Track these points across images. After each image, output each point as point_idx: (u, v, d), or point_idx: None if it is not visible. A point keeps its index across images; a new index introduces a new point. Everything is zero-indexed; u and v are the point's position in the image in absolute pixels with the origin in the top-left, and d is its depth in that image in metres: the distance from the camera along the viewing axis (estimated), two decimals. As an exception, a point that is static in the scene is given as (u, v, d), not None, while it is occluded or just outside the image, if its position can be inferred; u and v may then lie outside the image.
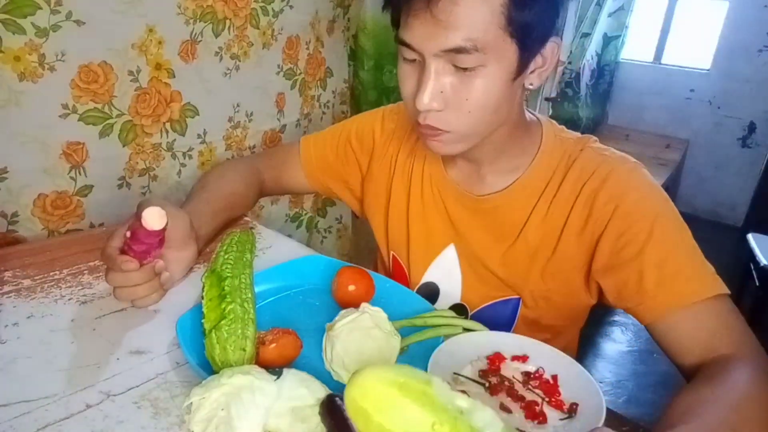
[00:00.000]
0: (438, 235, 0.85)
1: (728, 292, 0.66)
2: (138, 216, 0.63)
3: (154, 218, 0.62)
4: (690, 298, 0.65)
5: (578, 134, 0.79)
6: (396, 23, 0.67)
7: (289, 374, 0.51)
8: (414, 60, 0.66)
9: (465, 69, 0.63)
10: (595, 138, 0.77)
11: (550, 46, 0.67)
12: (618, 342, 2.25)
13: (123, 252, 0.65)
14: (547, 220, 0.75)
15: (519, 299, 0.80)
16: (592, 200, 0.71)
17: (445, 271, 0.84)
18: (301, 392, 0.50)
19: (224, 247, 0.73)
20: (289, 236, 1.25)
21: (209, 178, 0.95)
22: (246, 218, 1.01)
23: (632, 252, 0.68)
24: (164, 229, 0.64)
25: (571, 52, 2.57)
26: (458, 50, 0.61)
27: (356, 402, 0.36)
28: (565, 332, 0.84)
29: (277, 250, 0.88)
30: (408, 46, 0.65)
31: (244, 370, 0.50)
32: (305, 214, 1.76)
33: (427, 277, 0.86)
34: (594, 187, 0.71)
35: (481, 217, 0.80)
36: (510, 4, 0.60)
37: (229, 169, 0.98)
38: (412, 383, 0.37)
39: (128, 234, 0.64)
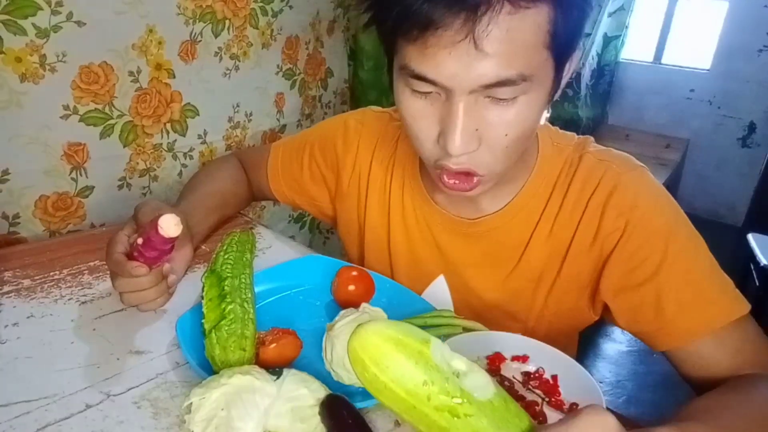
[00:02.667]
0: (426, 266, 0.77)
1: (749, 308, 0.61)
2: (152, 223, 0.62)
3: (170, 225, 0.62)
4: (714, 323, 0.60)
5: (574, 136, 0.73)
6: (391, 48, 0.57)
7: (289, 374, 0.51)
8: (429, 92, 0.56)
9: (502, 99, 0.54)
10: (591, 139, 0.72)
11: (575, 55, 0.59)
12: (618, 342, 2.25)
13: (131, 257, 0.65)
14: (552, 240, 0.69)
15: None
16: (600, 215, 0.65)
17: (436, 305, 0.75)
18: (301, 392, 0.50)
19: (224, 248, 0.73)
20: (292, 237, 1.25)
21: (198, 178, 0.93)
22: (247, 218, 1.01)
23: (647, 273, 0.63)
24: (178, 236, 0.64)
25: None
26: (502, 83, 0.52)
27: (356, 352, 0.38)
28: (562, 342, 0.79)
29: (277, 250, 0.88)
30: (428, 81, 0.54)
31: (244, 370, 0.50)
32: (308, 215, 1.76)
33: None
34: (601, 201, 0.65)
35: (475, 242, 0.73)
36: (555, 17, 0.52)
37: (218, 168, 0.95)
38: (410, 341, 0.38)
39: (140, 241, 0.63)
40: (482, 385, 0.39)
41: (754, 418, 0.52)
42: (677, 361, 0.64)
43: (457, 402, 0.37)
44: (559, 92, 0.61)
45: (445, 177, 0.60)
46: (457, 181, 0.60)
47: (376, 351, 0.38)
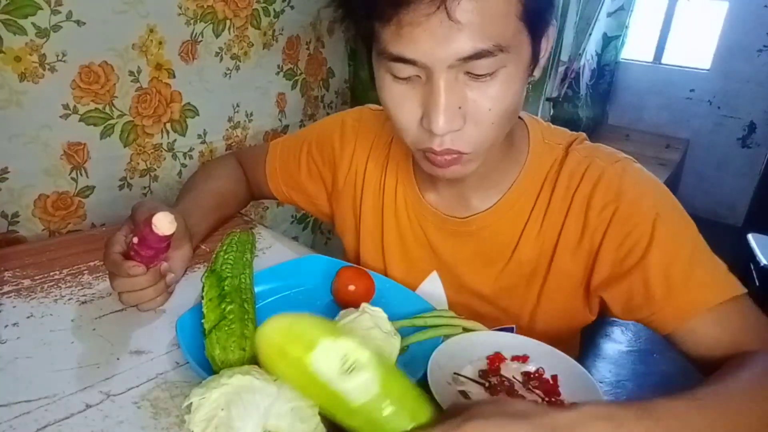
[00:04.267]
0: (418, 263, 0.77)
1: (745, 291, 0.61)
2: (146, 221, 0.63)
3: (164, 223, 0.62)
4: (705, 303, 0.60)
5: (566, 133, 0.72)
6: (368, 36, 0.57)
7: None
8: (409, 77, 0.56)
9: (482, 74, 0.54)
10: (584, 136, 0.71)
11: (550, 30, 0.59)
12: (618, 342, 2.25)
13: (128, 257, 0.65)
14: (542, 237, 0.69)
15: (512, 328, 0.75)
16: (585, 209, 0.66)
17: (430, 300, 0.75)
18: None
19: (224, 248, 0.73)
20: (295, 238, 1.25)
21: (197, 178, 0.93)
22: (247, 218, 1.00)
23: (635, 259, 0.62)
24: (173, 234, 0.64)
25: (577, 52, 2.57)
26: (479, 55, 0.52)
27: (257, 349, 0.43)
28: (563, 343, 0.78)
29: (277, 250, 0.88)
30: (406, 61, 0.54)
31: (245, 371, 0.50)
32: (311, 216, 1.76)
33: None
34: (585, 194, 0.65)
35: (466, 240, 0.73)
36: None
37: (216, 168, 0.95)
38: (291, 350, 0.41)
39: (135, 240, 0.64)
40: (366, 386, 0.41)
41: (753, 397, 0.50)
42: (677, 342, 0.64)
43: (332, 404, 0.42)
44: (539, 71, 0.61)
45: (430, 157, 0.60)
46: (443, 157, 0.59)
47: (264, 355, 0.43)
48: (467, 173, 0.62)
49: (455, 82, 0.54)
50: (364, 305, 0.63)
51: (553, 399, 0.56)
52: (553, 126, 0.74)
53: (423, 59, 0.53)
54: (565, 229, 0.67)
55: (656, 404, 0.44)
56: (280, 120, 1.53)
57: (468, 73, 0.54)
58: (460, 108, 0.55)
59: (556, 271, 0.69)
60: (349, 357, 0.41)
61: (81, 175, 1.10)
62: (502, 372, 0.60)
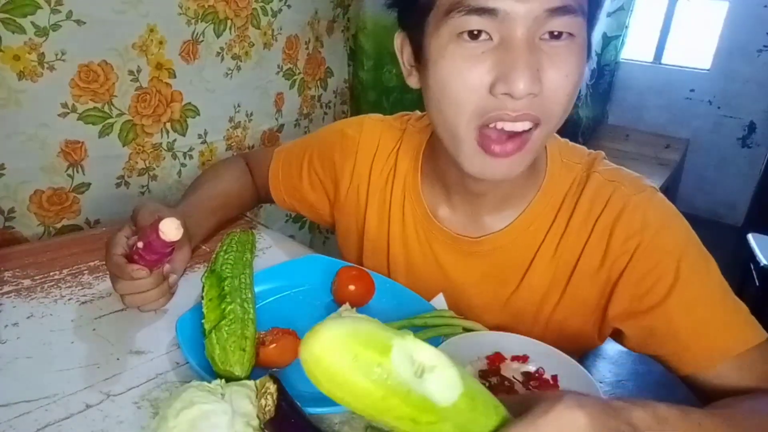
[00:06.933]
0: (425, 284, 0.75)
1: (767, 336, 0.59)
2: (152, 227, 0.62)
3: (171, 229, 0.62)
4: (730, 350, 0.58)
5: (584, 152, 0.70)
6: (427, 4, 0.55)
7: (230, 387, 0.49)
8: (476, 36, 0.52)
9: (555, 38, 0.52)
10: (602, 155, 0.69)
11: (593, 35, 0.58)
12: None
13: (130, 259, 0.64)
14: (556, 261, 0.67)
15: None
16: (607, 237, 0.63)
17: None
18: (250, 407, 0.48)
19: (224, 248, 0.73)
20: (291, 237, 1.25)
21: (203, 178, 0.93)
22: (247, 218, 1.00)
23: (659, 296, 0.60)
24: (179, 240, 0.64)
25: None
26: (564, 10, 0.50)
27: (308, 365, 0.35)
28: None
29: (277, 250, 0.88)
30: (487, 12, 0.50)
31: (186, 403, 0.47)
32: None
33: None
34: (608, 222, 0.63)
35: (477, 261, 0.71)
36: None
37: (223, 169, 0.95)
38: (368, 355, 0.34)
39: (140, 245, 0.63)
40: (449, 384, 0.37)
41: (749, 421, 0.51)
42: (696, 384, 0.61)
43: (417, 412, 0.36)
44: (587, 72, 0.61)
45: (493, 145, 0.56)
46: (506, 146, 0.55)
47: (330, 368, 0.35)
48: (520, 168, 0.59)
49: (532, 44, 0.52)
50: (344, 313, 0.59)
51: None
52: (570, 143, 0.71)
53: (508, 8, 0.50)
54: (585, 255, 0.65)
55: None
56: (277, 120, 1.53)
57: (543, 38, 0.52)
58: (537, 70, 0.52)
59: (569, 298, 0.67)
60: (416, 359, 0.36)
61: (77, 172, 1.09)
62: (502, 372, 0.60)
